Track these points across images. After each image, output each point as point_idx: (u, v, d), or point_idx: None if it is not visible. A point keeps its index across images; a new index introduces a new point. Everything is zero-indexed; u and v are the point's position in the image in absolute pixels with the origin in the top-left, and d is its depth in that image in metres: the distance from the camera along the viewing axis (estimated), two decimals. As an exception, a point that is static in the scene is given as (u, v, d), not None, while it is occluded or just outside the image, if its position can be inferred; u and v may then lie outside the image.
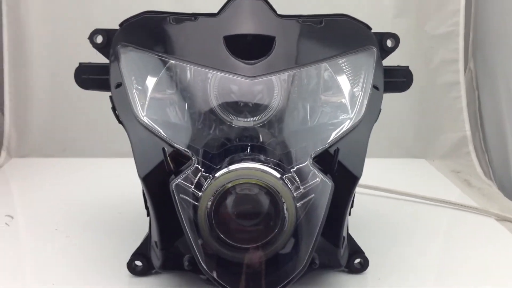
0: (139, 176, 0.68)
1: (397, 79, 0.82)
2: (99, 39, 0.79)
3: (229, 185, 0.65)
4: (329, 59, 0.74)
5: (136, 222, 0.89)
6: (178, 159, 0.69)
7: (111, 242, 0.86)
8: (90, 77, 0.80)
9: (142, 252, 0.74)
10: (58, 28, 1.38)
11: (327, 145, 0.69)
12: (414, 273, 0.78)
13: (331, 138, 0.70)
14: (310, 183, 0.68)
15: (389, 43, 0.80)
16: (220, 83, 0.74)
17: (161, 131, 0.69)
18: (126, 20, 0.76)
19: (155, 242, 0.70)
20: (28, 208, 1.04)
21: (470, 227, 0.97)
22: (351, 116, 0.73)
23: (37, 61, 1.38)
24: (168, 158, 0.67)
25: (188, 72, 0.74)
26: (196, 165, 0.66)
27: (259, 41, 0.72)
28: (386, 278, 0.75)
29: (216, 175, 0.65)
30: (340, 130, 0.71)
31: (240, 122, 0.74)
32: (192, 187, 0.66)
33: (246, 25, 0.73)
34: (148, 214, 0.72)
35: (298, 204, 0.66)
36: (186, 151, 0.67)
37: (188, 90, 0.74)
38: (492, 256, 0.85)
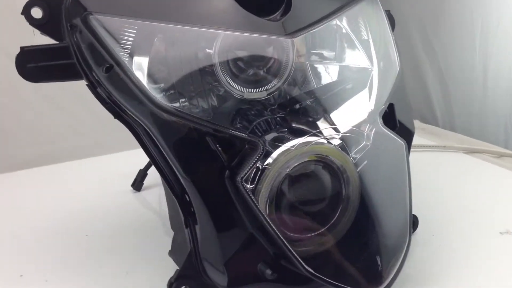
0: (185, 176, 0.52)
1: None
2: (38, 13, 0.59)
3: (285, 172, 0.54)
4: (343, 9, 0.64)
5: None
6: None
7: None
8: (39, 64, 0.59)
9: (186, 274, 0.57)
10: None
11: (385, 104, 0.61)
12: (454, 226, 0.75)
13: (375, 93, 0.62)
14: (360, 146, 0.60)
15: None
16: (228, 49, 0.59)
17: (199, 117, 0.53)
18: (76, -19, 0.57)
19: (212, 256, 0.55)
20: None
21: (450, 165, 0.99)
22: (371, 67, 0.66)
23: None
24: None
25: (188, 37, 0.58)
26: (260, 152, 0.52)
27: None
28: (441, 236, 0.71)
29: (267, 162, 0.53)
30: (373, 84, 0.64)
31: (253, 94, 0.60)
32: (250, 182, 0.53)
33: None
34: (187, 225, 0.56)
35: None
36: (250, 136, 0.53)
37: (193, 63, 0.59)
38: (478, 183, 0.89)
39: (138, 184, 0.92)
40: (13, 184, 1.03)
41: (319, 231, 0.57)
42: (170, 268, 0.61)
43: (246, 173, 0.51)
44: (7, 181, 1.04)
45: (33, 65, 0.58)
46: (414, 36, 1.31)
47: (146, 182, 0.93)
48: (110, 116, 0.57)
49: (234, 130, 0.53)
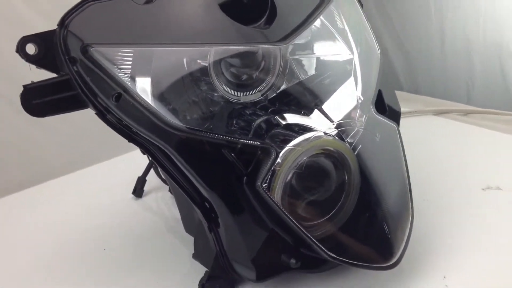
0: (206, 187, 0.57)
1: None
2: (31, 49, 0.60)
3: (293, 168, 0.59)
4: (323, 7, 0.68)
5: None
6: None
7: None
8: (44, 100, 0.61)
9: (216, 274, 0.63)
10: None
11: (375, 91, 0.66)
12: (441, 186, 0.82)
13: (360, 81, 0.67)
14: (353, 133, 0.66)
15: None
16: (220, 60, 0.63)
17: (210, 132, 0.57)
18: (67, 15, 0.58)
19: (239, 256, 0.61)
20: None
21: (424, 129, 1.05)
22: (352, 55, 0.70)
23: None
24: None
25: (185, 56, 0.61)
26: (274, 156, 0.57)
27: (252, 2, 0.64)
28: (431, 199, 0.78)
29: (277, 162, 0.57)
30: (356, 72, 0.69)
31: (248, 96, 0.65)
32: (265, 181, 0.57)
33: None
34: (211, 230, 0.61)
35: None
36: (262, 143, 0.58)
37: (190, 78, 0.62)
38: (452, 143, 0.96)
39: (138, 191, 0.96)
40: (11, 207, 1.04)
41: (328, 216, 0.63)
42: (194, 269, 0.66)
43: (264, 178, 0.56)
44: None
45: (39, 101, 0.60)
46: (369, 5, 1.37)
47: (146, 187, 0.97)
48: (93, 127, 0.60)
49: (247, 140, 0.58)
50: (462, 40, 1.14)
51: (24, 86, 0.60)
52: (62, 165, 1.14)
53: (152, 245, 0.79)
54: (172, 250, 0.76)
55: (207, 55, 0.61)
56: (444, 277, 0.60)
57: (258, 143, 0.58)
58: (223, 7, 0.61)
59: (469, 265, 0.62)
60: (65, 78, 0.59)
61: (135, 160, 0.97)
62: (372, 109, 0.65)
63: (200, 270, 0.65)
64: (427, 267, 0.63)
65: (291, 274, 0.63)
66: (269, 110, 0.65)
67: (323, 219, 0.63)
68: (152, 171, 0.96)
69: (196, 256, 0.68)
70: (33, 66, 0.62)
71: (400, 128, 1.06)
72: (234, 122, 0.63)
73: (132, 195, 0.96)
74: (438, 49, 1.19)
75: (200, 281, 0.63)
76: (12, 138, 1.14)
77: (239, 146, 0.57)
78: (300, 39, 0.69)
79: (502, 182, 0.78)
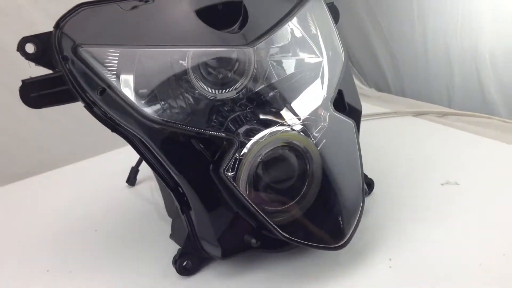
0: (177, 173, 0.64)
1: None
2: (31, 48, 0.68)
3: (258, 158, 0.66)
4: (293, 13, 0.75)
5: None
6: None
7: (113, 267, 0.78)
8: (41, 93, 0.69)
9: (187, 251, 0.70)
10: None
11: (335, 91, 0.73)
12: (404, 183, 0.88)
13: (326, 82, 0.74)
14: (318, 128, 0.73)
15: None
16: (198, 61, 0.70)
17: (181, 123, 0.65)
18: (61, 19, 0.66)
19: (207, 235, 0.68)
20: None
21: (401, 129, 1.12)
22: (322, 58, 0.77)
23: None
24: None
25: (163, 57, 0.69)
26: (236, 147, 0.65)
27: (226, 8, 0.71)
28: (394, 193, 0.85)
29: (243, 152, 0.65)
30: (324, 74, 0.76)
31: (224, 94, 0.72)
32: (231, 170, 0.65)
33: (211, -5, 0.71)
34: (183, 212, 0.69)
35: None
36: (225, 135, 0.65)
37: (169, 77, 0.70)
38: (442, 146, 1.01)
39: (132, 180, 1.04)
40: (17, 194, 1.13)
41: (291, 203, 0.70)
42: (172, 248, 0.74)
43: (226, 165, 0.63)
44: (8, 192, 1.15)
45: (35, 94, 0.68)
46: (360, 10, 1.44)
47: (138, 177, 1.05)
48: (92, 120, 0.68)
49: (212, 131, 0.65)
50: (442, 45, 1.20)
51: (23, 81, 0.68)
52: (63, 155, 1.23)
53: (140, 227, 0.88)
54: (157, 232, 0.83)
55: (185, 56, 0.69)
56: (390, 259, 0.67)
57: (223, 134, 0.65)
58: (199, 13, 0.69)
59: (414, 251, 0.69)
60: (59, 74, 0.67)
61: (131, 153, 1.05)
62: (331, 107, 0.72)
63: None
64: (376, 251, 0.70)
65: (254, 253, 0.71)
66: (243, 106, 0.72)
67: (286, 206, 0.70)
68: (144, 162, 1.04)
69: (172, 235, 0.76)
70: (32, 64, 0.71)
71: (380, 127, 1.13)
72: (213, 117, 0.70)
73: (126, 184, 1.04)
74: (421, 53, 1.25)
75: (174, 257, 0.71)
76: (18, 129, 1.23)
77: (206, 137, 0.65)
78: (277, 43, 0.76)
79: (460, 179, 0.84)
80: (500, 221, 0.73)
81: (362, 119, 1.15)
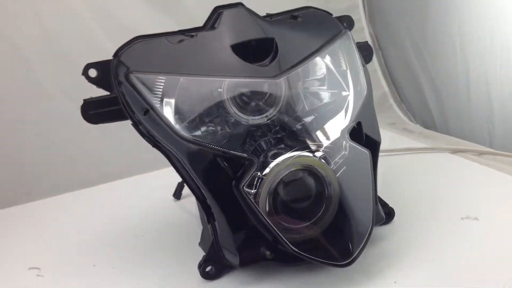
0: (204, 187, 0.73)
1: (362, 54, 0.90)
2: (93, 72, 0.80)
3: (278, 178, 0.74)
4: (321, 49, 0.83)
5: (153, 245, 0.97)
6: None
7: (149, 266, 0.88)
8: (98, 111, 0.81)
9: (211, 258, 0.79)
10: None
11: (352, 122, 0.79)
12: (426, 215, 0.91)
13: (349, 114, 0.81)
14: (339, 156, 0.79)
15: (345, 24, 0.92)
16: (233, 90, 0.79)
17: (211, 143, 0.74)
18: (120, 49, 0.78)
19: (228, 244, 0.76)
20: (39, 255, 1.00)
21: (437, 165, 1.15)
22: (349, 93, 0.84)
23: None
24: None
25: (203, 85, 0.78)
26: (256, 166, 0.73)
27: (259, 44, 0.80)
28: (413, 223, 0.89)
29: (265, 172, 0.73)
30: (348, 107, 0.82)
31: (256, 120, 0.80)
32: (253, 188, 0.73)
33: (247, 32, 0.80)
34: (209, 222, 0.77)
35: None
36: (247, 155, 0.73)
37: (207, 102, 0.79)
38: (471, 183, 1.03)
39: (178, 194, 1.14)
40: (76, 201, 1.27)
41: (307, 224, 0.76)
42: (202, 255, 0.82)
43: (246, 182, 0.71)
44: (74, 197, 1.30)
45: (93, 112, 0.80)
46: (407, 45, 1.49)
47: (184, 191, 1.15)
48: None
49: (235, 151, 0.73)
50: (483, 85, 1.22)
51: (84, 100, 0.81)
52: (123, 169, 1.37)
53: (179, 235, 0.97)
54: (193, 240, 0.90)
55: (221, 85, 0.78)
56: (395, 282, 0.72)
57: (245, 155, 0.73)
58: (234, 48, 0.78)
59: (420, 275, 0.73)
60: (114, 96, 0.78)
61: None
62: (347, 136, 0.78)
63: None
64: (383, 272, 0.75)
65: (272, 266, 0.78)
66: (272, 132, 0.80)
67: (302, 225, 0.76)
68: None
69: (200, 243, 0.84)
70: (94, 86, 0.83)
71: (415, 162, 1.17)
72: (245, 140, 0.79)
73: (172, 197, 1.15)
74: (464, 91, 1.27)
75: (199, 262, 0.79)
76: (87, 144, 1.38)
77: (231, 156, 0.74)
78: (310, 77, 0.84)
79: (481, 214, 0.87)
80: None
81: (398, 153, 1.20)
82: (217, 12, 0.81)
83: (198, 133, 0.76)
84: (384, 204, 0.88)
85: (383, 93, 1.62)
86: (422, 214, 0.90)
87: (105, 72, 0.79)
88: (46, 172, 1.34)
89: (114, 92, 0.79)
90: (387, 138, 1.37)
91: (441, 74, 1.37)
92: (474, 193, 0.97)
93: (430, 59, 1.39)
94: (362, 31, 1.62)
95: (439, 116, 1.41)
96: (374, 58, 1.62)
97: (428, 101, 1.44)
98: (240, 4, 0.82)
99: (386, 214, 0.87)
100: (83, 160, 1.38)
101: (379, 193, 0.88)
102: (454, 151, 1.18)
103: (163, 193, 1.17)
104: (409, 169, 1.14)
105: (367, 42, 0.97)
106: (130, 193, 1.27)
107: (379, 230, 0.86)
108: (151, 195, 1.20)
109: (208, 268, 0.79)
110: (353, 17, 1.53)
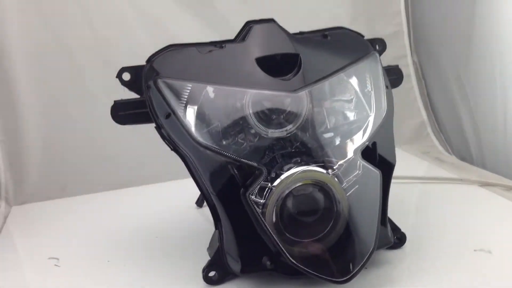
0: (213, 192, 0.76)
1: (391, 77, 0.93)
2: (127, 76, 0.85)
3: (287, 190, 0.75)
4: (345, 68, 0.84)
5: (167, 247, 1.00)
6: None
7: (158, 266, 0.91)
8: (126, 113, 0.86)
9: (215, 263, 0.81)
10: (44, 65, 1.38)
11: (367, 141, 0.80)
12: (439, 243, 0.90)
13: (366, 134, 0.82)
14: (352, 175, 0.79)
15: (377, 47, 0.93)
16: (254, 101, 0.82)
17: (224, 151, 0.76)
18: (153, 55, 0.83)
19: (231, 250, 0.78)
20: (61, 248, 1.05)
21: (462, 196, 1.13)
22: (370, 114, 0.85)
23: (25, 101, 1.36)
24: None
25: (227, 95, 0.81)
26: (265, 176, 0.75)
27: (284, 59, 0.82)
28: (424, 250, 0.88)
29: (275, 184, 0.75)
30: (368, 127, 0.83)
31: (275, 133, 0.83)
32: (263, 198, 0.75)
33: (274, 46, 0.83)
34: (216, 227, 0.80)
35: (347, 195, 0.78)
36: (257, 165, 0.75)
37: (228, 112, 0.82)
38: (492, 216, 1.01)
39: (200, 202, 1.17)
40: (106, 201, 1.34)
41: (313, 239, 0.77)
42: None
43: (253, 190, 0.73)
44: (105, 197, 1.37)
45: (123, 113, 0.86)
46: (449, 75, 1.47)
47: (206, 200, 1.18)
48: None
49: (246, 160, 0.76)
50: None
51: (115, 101, 0.86)
52: (154, 174, 1.42)
53: (195, 239, 0.99)
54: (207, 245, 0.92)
55: (244, 96, 0.81)
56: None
57: (255, 164, 0.75)
58: (259, 61, 0.81)
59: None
60: (143, 99, 0.83)
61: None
62: (358, 155, 0.79)
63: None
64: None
65: (274, 276, 0.79)
66: (289, 146, 0.82)
67: (307, 240, 0.77)
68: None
69: (208, 248, 0.86)
70: (126, 89, 0.88)
71: (440, 191, 1.17)
72: (263, 152, 0.81)
73: (195, 204, 1.18)
74: (501, 124, 1.24)
75: (203, 267, 0.81)
76: (123, 147, 1.44)
77: (242, 165, 0.76)
78: (335, 95, 0.86)
79: (495, 247, 0.85)
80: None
81: (425, 181, 1.19)
82: (248, 26, 0.84)
83: (217, 141, 0.79)
84: (396, 229, 0.88)
85: (422, 122, 1.60)
86: (434, 242, 0.89)
87: (137, 76, 0.85)
88: (82, 170, 1.40)
89: (143, 96, 0.84)
90: (417, 166, 1.37)
91: (480, 105, 1.34)
92: (493, 225, 0.95)
93: (470, 89, 1.37)
94: (405, 58, 1.60)
95: (475, 149, 1.38)
96: (416, 86, 1.61)
97: (466, 133, 1.41)
98: (272, 20, 0.86)
99: (397, 239, 0.87)
100: (120, 161, 1.43)
101: (396, 218, 0.89)
102: (483, 184, 1.16)
103: (187, 201, 1.21)
104: (433, 198, 1.12)
105: (397, 65, 0.97)
106: (157, 197, 1.32)
107: (388, 254, 0.85)
108: (177, 200, 1.24)
109: (211, 273, 0.80)
110: (397, 44, 1.59)
